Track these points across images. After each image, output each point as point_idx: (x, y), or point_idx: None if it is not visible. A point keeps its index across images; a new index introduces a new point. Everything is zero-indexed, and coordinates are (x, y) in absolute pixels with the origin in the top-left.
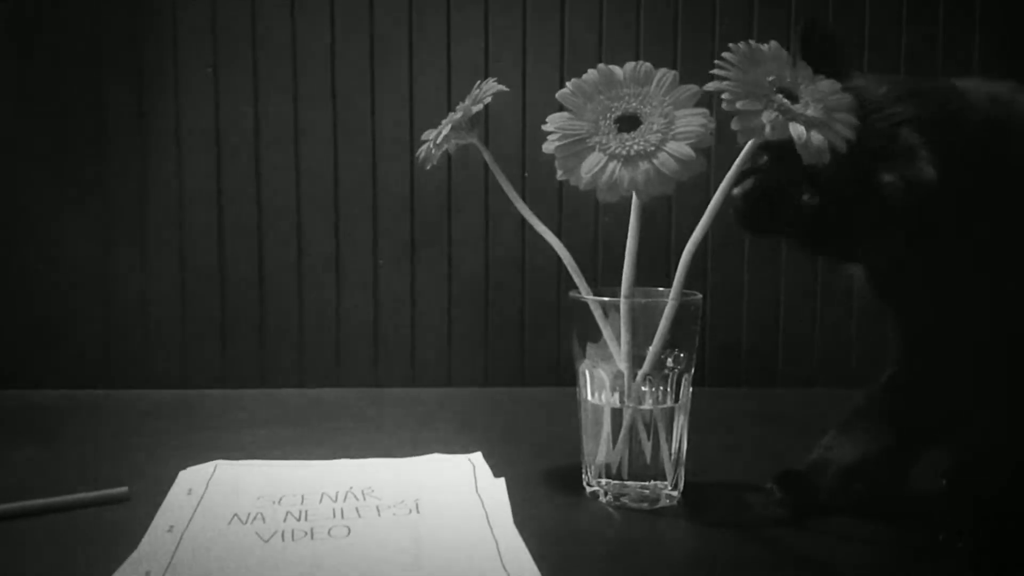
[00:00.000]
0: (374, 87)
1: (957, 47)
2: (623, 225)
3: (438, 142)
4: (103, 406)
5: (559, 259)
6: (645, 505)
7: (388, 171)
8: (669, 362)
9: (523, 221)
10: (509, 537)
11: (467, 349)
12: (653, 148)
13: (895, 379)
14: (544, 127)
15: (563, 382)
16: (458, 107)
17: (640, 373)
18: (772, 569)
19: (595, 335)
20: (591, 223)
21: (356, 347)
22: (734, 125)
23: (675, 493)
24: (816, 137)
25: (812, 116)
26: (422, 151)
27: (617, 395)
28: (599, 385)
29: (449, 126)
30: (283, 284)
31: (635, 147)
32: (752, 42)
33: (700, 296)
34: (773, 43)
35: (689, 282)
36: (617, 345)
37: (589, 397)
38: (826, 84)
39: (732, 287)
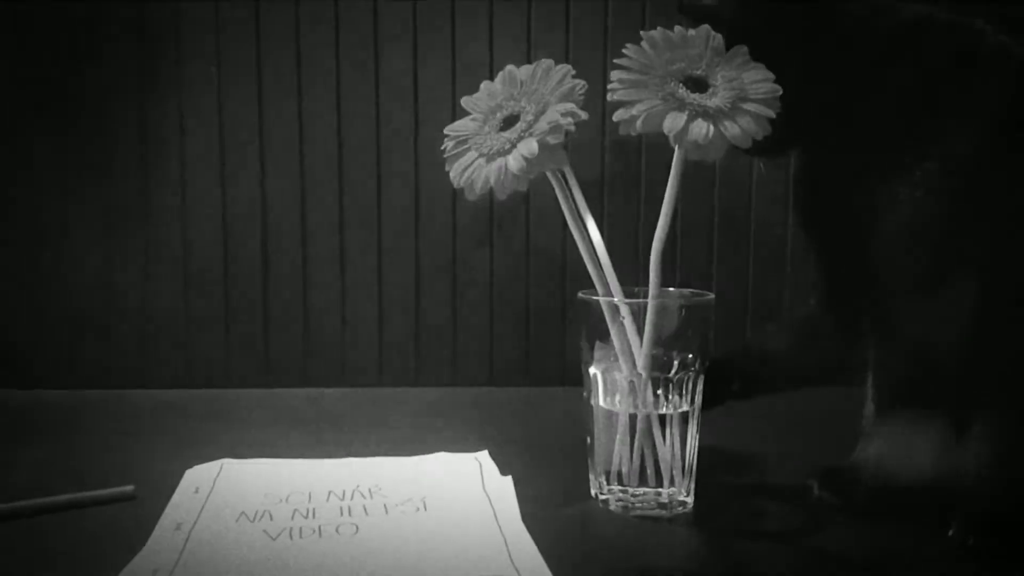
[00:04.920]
0: (378, 85)
1: None
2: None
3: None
4: (108, 405)
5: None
6: (655, 510)
7: (392, 170)
8: (694, 366)
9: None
10: (517, 534)
11: (472, 348)
12: (510, 146)
13: (813, 315)
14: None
15: (568, 381)
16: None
17: (648, 376)
18: (785, 573)
19: (604, 337)
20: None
21: (361, 346)
22: (615, 117)
23: (687, 499)
24: (698, 129)
25: (709, 106)
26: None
27: (628, 399)
28: (610, 389)
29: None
30: (288, 283)
31: (496, 145)
32: (678, 28)
33: (712, 296)
34: (704, 27)
35: (693, 282)
36: (629, 348)
37: (601, 402)
38: (754, 73)
39: (737, 286)
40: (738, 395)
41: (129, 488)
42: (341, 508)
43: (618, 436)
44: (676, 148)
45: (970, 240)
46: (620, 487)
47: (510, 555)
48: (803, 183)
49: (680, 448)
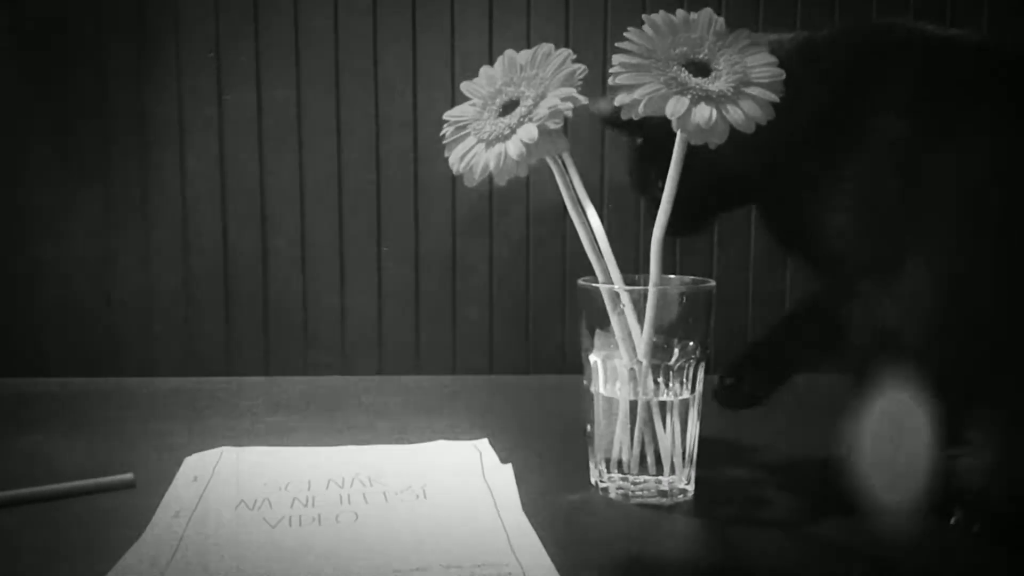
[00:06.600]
0: (377, 72)
1: None
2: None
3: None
4: (108, 394)
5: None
6: (655, 498)
7: (392, 159)
8: (695, 353)
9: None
10: (517, 522)
11: (472, 336)
12: (509, 131)
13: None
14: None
15: (567, 370)
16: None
17: (648, 364)
18: (785, 562)
19: (605, 325)
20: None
21: (361, 335)
22: (616, 101)
23: (688, 487)
24: (701, 114)
25: (712, 90)
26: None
27: (628, 387)
28: (610, 377)
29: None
30: (287, 272)
31: (495, 130)
32: (679, 11)
33: (713, 283)
34: (706, 10)
35: (695, 271)
36: (629, 336)
37: (601, 390)
38: (758, 57)
39: (738, 275)
40: (753, 397)
41: (129, 476)
42: (340, 496)
43: (618, 424)
44: (678, 133)
45: (921, 224)
46: (620, 475)
47: (510, 543)
48: (763, 215)
49: (680, 436)
